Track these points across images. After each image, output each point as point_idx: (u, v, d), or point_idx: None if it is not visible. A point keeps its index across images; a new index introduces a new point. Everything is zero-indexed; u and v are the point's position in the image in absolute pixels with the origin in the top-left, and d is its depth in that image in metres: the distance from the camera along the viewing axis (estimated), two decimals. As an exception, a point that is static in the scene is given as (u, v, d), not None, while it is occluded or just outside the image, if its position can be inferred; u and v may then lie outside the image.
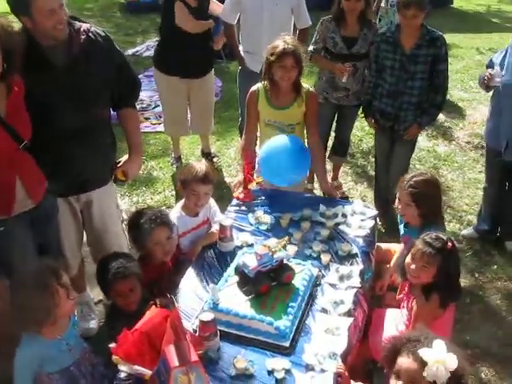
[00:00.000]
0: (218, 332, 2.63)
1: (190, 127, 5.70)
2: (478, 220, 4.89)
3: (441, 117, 6.58)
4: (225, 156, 6.16)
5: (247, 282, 2.90)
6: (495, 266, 4.56)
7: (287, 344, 2.65)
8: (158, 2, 5.26)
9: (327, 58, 4.81)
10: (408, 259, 3.03)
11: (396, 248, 3.82)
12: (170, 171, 5.82)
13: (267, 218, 3.60)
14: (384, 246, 3.96)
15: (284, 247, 3.04)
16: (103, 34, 3.18)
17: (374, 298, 3.58)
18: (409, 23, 4.20)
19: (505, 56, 4.18)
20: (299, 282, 2.97)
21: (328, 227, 3.52)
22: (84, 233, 3.62)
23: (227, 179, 5.70)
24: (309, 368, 2.55)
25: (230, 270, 3.08)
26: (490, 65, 4.30)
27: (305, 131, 4.05)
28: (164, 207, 5.01)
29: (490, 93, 4.43)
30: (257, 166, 3.89)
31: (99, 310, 3.95)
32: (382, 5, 6.26)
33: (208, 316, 2.58)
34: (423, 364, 2.12)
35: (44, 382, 2.60)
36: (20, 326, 2.53)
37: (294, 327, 2.74)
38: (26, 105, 2.82)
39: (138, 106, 6.79)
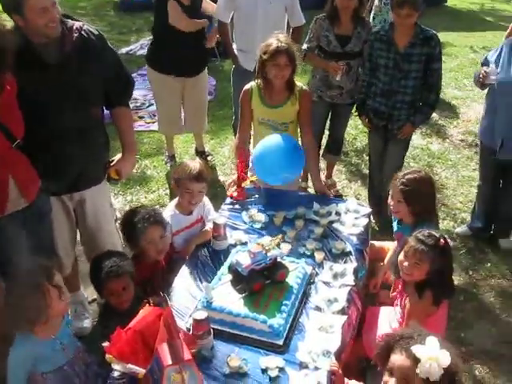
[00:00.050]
0: (212, 330, 2.63)
1: (183, 126, 5.68)
2: (472, 218, 4.90)
3: (435, 115, 6.59)
4: (219, 154, 6.16)
5: (241, 280, 2.89)
6: (489, 264, 4.57)
7: (281, 342, 2.65)
8: (151, 1, 5.23)
9: (321, 57, 4.81)
10: (401, 256, 3.03)
11: (390, 246, 3.83)
12: (163, 170, 5.81)
13: (261, 217, 3.60)
14: (378, 243, 3.97)
15: (278, 245, 3.04)
16: (96, 32, 3.17)
17: (367, 295, 3.59)
18: (402, 22, 4.20)
19: (500, 54, 4.19)
20: (293, 280, 2.97)
21: (322, 225, 3.52)
22: (77, 232, 3.61)
23: (221, 178, 5.69)
24: (302, 366, 2.55)
25: (224, 268, 3.07)
26: (485, 63, 4.30)
27: (298, 130, 4.04)
28: (158, 206, 5.00)
29: (484, 91, 4.44)
30: (250, 164, 3.88)
31: (93, 309, 3.94)
32: (376, 3, 6.25)
33: (201, 314, 2.57)
34: (416, 361, 2.12)
35: (38, 382, 2.59)
36: (12, 325, 2.52)
37: (288, 325, 2.74)
38: (18, 103, 2.80)
39: (131, 105, 6.80)
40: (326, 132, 5.41)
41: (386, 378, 2.25)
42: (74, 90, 3.05)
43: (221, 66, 8.36)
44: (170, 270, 3.31)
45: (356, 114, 5.00)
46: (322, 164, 5.69)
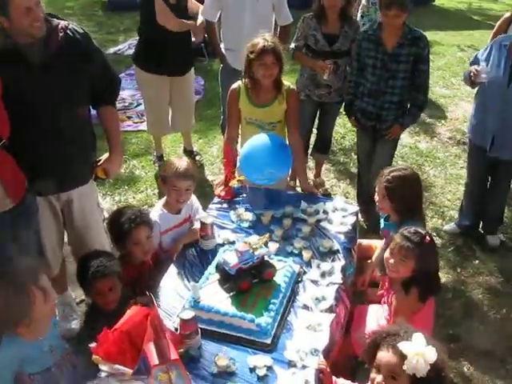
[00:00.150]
0: (199, 330, 2.63)
1: (170, 125, 5.67)
2: (460, 216, 4.92)
3: (422, 113, 6.58)
4: (207, 154, 6.15)
5: (228, 279, 2.89)
6: (477, 261, 4.60)
7: (269, 341, 2.66)
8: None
9: (309, 56, 4.81)
10: (386, 253, 3.05)
11: (378, 244, 3.84)
12: (152, 170, 5.79)
13: (248, 216, 3.60)
14: (365, 242, 3.98)
15: (265, 244, 3.04)
16: (81, 31, 3.15)
17: (356, 294, 3.60)
18: (390, 23, 4.18)
19: (489, 53, 4.20)
20: (280, 278, 2.98)
21: (309, 224, 3.52)
22: (65, 232, 3.59)
23: (209, 177, 5.68)
24: (291, 364, 2.56)
25: (211, 267, 3.07)
26: (475, 61, 4.31)
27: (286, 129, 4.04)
28: (146, 206, 4.99)
29: (471, 89, 4.46)
30: (238, 163, 3.88)
31: (81, 310, 3.91)
32: (364, 2, 6.26)
33: (188, 314, 2.57)
34: (403, 357, 2.13)
35: (25, 382, 2.57)
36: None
37: (276, 324, 2.74)
38: (3, 103, 2.79)
39: (119, 105, 6.82)
40: (315, 131, 5.41)
41: (373, 374, 2.26)
42: (59, 89, 3.03)
43: (209, 65, 8.35)
44: (157, 270, 3.30)
45: (344, 112, 5.00)
46: (311, 163, 5.70)
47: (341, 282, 3.09)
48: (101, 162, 3.40)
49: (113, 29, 10.62)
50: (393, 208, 3.47)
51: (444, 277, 4.36)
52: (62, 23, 3.08)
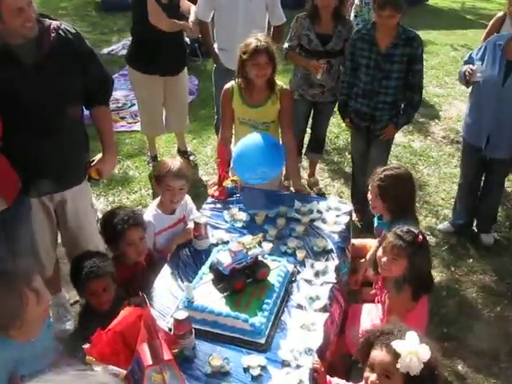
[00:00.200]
0: (193, 330, 2.62)
1: (164, 125, 5.67)
2: (454, 214, 4.93)
3: (416, 113, 6.62)
4: (201, 154, 6.14)
5: (222, 279, 2.89)
6: (471, 260, 4.61)
7: (263, 341, 2.65)
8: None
9: (302, 55, 4.81)
10: (379, 252, 3.05)
11: (372, 243, 3.84)
12: (146, 170, 5.78)
13: (242, 216, 3.60)
14: (359, 241, 3.98)
15: (259, 244, 3.04)
16: (74, 31, 3.14)
17: (351, 293, 3.60)
18: (384, 23, 4.17)
19: (484, 52, 4.21)
20: (274, 278, 2.97)
21: (303, 223, 3.52)
22: (59, 233, 3.58)
23: (204, 177, 5.68)
24: (285, 364, 2.55)
25: (205, 267, 3.06)
26: (470, 61, 4.32)
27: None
28: (140, 206, 4.98)
29: (465, 88, 4.47)
30: (232, 163, 3.87)
31: (75, 311, 3.90)
32: (357, 2, 6.26)
33: (182, 314, 2.56)
34: (396, 356, 2.14)
35: (17, 384, 2.57)
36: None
37: (270, 324, 2.74)
38: (-4, 104, 2.78)
39: (113, 106, 6.80)
40: (309, 130, 5.42)
41: (366, 373, 2.26)
42: (52, 90, 3.02)
43: (203, 65, 8.35)
44: (151, 270, 3.29)
45: (339, 114, 4.99)
46: (305, 162, 5.70)
47: (335, 281, 3.09)
48: (94, 163, 3.39)
49: (106, 29, 10.60)
50: (385, 207, 3.47)
51: (438, 275, 4.37)
52: (54, 23, 3.07)
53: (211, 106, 5.93)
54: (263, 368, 2.52)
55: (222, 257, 2.90)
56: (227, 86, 3.97)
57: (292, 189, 5.08)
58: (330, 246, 3.36)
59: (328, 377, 2.60)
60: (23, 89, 2.92)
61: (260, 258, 3.00)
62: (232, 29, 4.82)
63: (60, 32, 3.05)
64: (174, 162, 3.46)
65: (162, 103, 5.47)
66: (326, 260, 3.25)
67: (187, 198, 3.65)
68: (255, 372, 2.49)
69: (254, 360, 2.54)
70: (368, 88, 4.40)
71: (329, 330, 2.83)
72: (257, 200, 3.73)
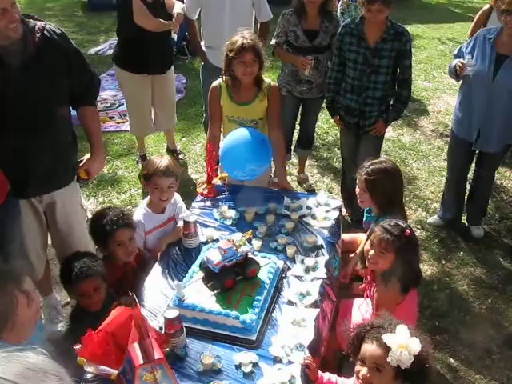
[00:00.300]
0: (184, 328, 2.62)
1: (153, 124, 5.65)
2: (442, 208, 4.95)
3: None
4: (190, 153, 6.14)
5: (212, 277, 2.88)
6: (461, 253, 4.63)
7: (254, 338, 2.65)
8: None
9: (289, 52, 4.81)
10: (366, 245, 3.05)
11: (362, 238, 3.84)
12: (135, 170, 5.77)
13: (232, 213, 3.59)
14: (350, 236, 3.98)
15: (249, 241, 3.03)
16: (59, 31, 3.12)
17: (342, 288, 3.60)
18: (373, 17, 4.15)
19: (474, 46, 4.21)
20: (264, 275, 2.97)
21: (293, 219, 3.52)
22: (49, 234, 3.56)
23: (193, 176, 5.68)
24: (276, 360, 2.55)
25: (195, 265, 3.06)
26: (459, 54, 4.32)
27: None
28: (130, 206, 4.98)
29: (453, 82, 4.48)
30: (220, 160, 3.86)
31: (67, 312, 3.89)
32: (344, -1, 6.27)
33: (173, 313, 2.55)
34: (387, 349, 2.15)
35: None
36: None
37: (261, 320, 2.73)
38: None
39: (101, 106, 6.78)
40: (298, 127, 5.42)
41: (357, 367, 2.27)
42: (38, 90, 3.00)
43: (191, 63, 8.35)
44: (141, 270, 3.28)
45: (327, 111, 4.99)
46: (295, 159, 5.71)
47: (325, 276, 3.09)
48: (82, 163, 3.37)
49: (93, 29, 10.58)
50: (373, 201, 3.47)
51: (429, 269, 4.39)
52: (39, 24, 3.05)
53: (200, 104, 5.94)
54: (255, 365, 2.51)
55: (212, 255, 2.89)
56: (214, 83, 3.96)
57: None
58: (320, 241, 3.36)
59: (320, 372, 2.60)
60: (9, 90, 2.90)
61: (250, 255, 2.99)
62: (219, 27, 4.81)
63: (45, 33, 3.03)
64: (162, 160, 3.44)
65: (150, 102, 5.46)
66: (316, 256, 3.25)
67: (177, 197, 3.64)
68: (247, 369, 2.49)
69: (246, 357, 2.53)
70: (356, 83, 4.39)
71: (320, 325, 2.83)
72: (246, 197, 3.73)
